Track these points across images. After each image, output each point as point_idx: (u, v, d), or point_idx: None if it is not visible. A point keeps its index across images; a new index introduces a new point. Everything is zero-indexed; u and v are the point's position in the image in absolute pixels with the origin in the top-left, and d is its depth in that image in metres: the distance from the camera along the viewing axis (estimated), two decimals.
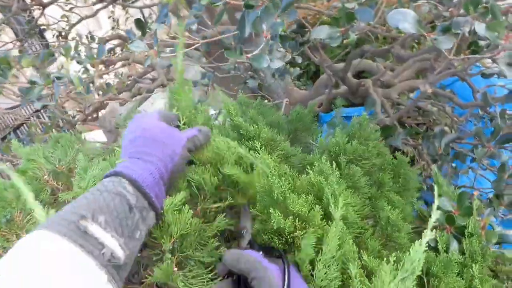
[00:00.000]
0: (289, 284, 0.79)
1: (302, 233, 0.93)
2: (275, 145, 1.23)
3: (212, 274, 0.93)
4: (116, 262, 0.69)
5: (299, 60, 2.12)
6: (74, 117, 2.84)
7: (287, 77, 2.67)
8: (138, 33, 1.61)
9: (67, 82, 1.81)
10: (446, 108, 2.36)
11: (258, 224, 0.98)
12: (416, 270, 0.85)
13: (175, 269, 0.91)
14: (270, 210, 0.91)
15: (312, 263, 0.91)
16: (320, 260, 0.90)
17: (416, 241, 0.87)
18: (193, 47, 1.48)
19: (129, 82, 2.75)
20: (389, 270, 0.88)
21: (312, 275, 0.91)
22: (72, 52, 2.18)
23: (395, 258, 0.88)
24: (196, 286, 0.91)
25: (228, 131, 1.25)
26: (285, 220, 0.91)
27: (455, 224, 1.24)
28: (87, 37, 2.87)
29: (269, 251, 0.92)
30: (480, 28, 1.16)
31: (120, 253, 0.70)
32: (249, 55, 1.25)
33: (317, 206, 0.97)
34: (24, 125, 6.29)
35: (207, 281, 0.92)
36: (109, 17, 3.91)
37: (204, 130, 1.01)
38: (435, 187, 1.30)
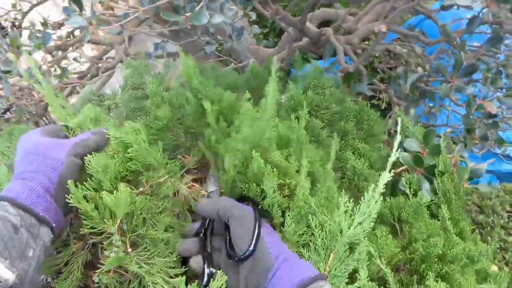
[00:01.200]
0: (260, 222, 0.84)
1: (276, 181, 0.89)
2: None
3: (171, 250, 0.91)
4: (3, 285, 0.69)
5: (253, 16, 2.03)
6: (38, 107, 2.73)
7: (247, 36, 2.58)
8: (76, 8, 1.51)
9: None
10: (415, 49, 2.29)
11: (234, 173, 0.94)
12: (372, 213, 0.82)
13: (129, 250, 0.87)
14: (253, 154, 0.87)
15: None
16: (289, 215, 0.89)
17: (372, 184, 0.82)
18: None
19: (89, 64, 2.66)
20: (344, 215, 0.85)
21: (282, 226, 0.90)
22: (28, 41, 2.08)
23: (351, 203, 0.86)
24: (155, 265, 0.87)
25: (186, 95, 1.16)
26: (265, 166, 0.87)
27: (424, 165, 1.19)
28: (41, 23, 2.73)
29: (240, 201, 0.92)
30: None
31: (7, 275, 0.70)
32: (187, 14, 1.16)
33: (292, 157, 0.94)
34: None
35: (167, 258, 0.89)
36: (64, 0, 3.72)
37: (98, 131, 0.99)
38: (398, 128, 1.26)
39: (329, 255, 0.86)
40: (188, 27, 2.00)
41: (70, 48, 2.44)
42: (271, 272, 0.78)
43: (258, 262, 0.80)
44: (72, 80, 2.32)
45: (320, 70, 1.32)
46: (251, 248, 0.79)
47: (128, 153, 0.91)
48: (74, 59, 3.19)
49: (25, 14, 2.84)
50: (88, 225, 0.86)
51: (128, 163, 0.93)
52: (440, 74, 1.67)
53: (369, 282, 0.87)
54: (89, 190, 0.87)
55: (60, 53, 2.25)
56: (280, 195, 0.89)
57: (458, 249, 0.96)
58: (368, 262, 0.87)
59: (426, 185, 1.19)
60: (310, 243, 0.89)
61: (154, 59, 1.92)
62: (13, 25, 3.06)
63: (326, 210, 0.90)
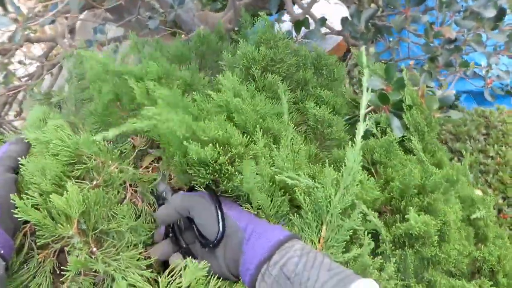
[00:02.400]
0: (219, 200, 0.83)
1: (226, 158, 0.83)
2: (171, 77, 1.07)
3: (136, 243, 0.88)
4: None
5: None
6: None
7: (191, 3, 2.47)
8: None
9: None
10: None
11: (180, 158, 0.87)
12: (356, 175, 0.79)
13: (94, 249, 0.83)
14: (185, 143, 0.79)
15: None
16: (259, 188, 0.84)
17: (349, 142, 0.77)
18: None
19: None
20: (330, 182, 0.82)
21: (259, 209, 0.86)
22: None
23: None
24: (124, 260, 0.83)
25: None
26: (204, 149, 0.80)
27: (391, 101, 1.14)
28: None
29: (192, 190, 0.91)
30: None
31: None
32: None
33: (233, 126, 0.87)
34: None
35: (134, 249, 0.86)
36: None
37: (17, 138, 0.96)
38: (360, 68, 1.20)
39: (321, 227, 0.82)
40: (123, 3, 1.90)
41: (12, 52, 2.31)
42: (243, 244, 0.77)
43: (230, 239, 0.79)
44: (19, 84, 2.21)
45: (269, 23, 1.24)
46: (220, 229, 0.79)
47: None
48: (19, 61, 3.05)
49: None
50: (44, 235, 0.80)
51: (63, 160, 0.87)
52: (391, 7, 1.62)
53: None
54: (34, 197, 0.81)
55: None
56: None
57: (437, 176, 0.92)
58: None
59: (395, 122, 1.14)
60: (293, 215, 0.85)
61: (95, 45, 1.82)
62: None
63: (297, 166, 0.85)
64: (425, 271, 0.91)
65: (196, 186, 0.86)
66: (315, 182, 0.82)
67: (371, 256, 0.83)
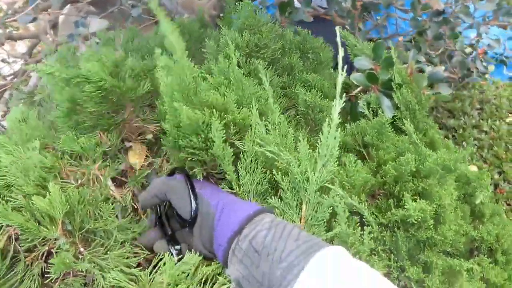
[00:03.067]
0: (191, 181, 0.83)
1: (221, 123, 0.80)
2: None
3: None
4: None
5: None
6: None
7: None
8: None
9: None
10: None
11: (172, 128, 0.84)
12: (334, 151, 0.76)
13: (82, 249, 0.81)
14: (175, 104, 0.78)
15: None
16: (241, 166, 0.84)
17: (327, 119, 0.74)
18: None
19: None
20: (306, 156, 0.80)
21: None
22: None
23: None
24: (112, 259, 0.81)
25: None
26: (196, 112, 0.78)
27: (380, 81, 1.11)
28: None
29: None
30: None
31: None
32: None
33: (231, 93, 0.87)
34: None
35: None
36: None
37: None
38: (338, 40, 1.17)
39: (301, 206, 0.81)
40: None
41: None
42: (215, 221, 0.78)
43: (204, 217, 0.79)
44: (4, 83, 2.18)
45: (251, 6, 1.21)
46: (193, 207, 0.80)
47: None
48: (3, 60, 3.01)
49: None
50: (27, 239, 0.78)
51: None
52: None
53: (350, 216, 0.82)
54: (18, 200, 0.79)
55: None
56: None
57: (431, 161, 0.90)
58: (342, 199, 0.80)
59: (386, 102, 1.12)
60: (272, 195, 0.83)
61: (78, 39, 1.78)
62: None
63: (284, 149, 0.83)
64: (421, 253, 0.90)
65: (177, 171, 0.86)
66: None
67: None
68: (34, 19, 1.79)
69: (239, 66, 1.10)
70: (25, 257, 0.85)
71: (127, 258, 0.82)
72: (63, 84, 0.89)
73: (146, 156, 0.99)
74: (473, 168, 1.72)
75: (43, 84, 1.55)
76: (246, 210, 0.76)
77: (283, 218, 0.81)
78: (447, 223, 0.90)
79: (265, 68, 1.12)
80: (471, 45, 1.96)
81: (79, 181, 0.88)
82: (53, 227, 0.78)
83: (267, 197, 0.84)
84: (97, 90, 0.87)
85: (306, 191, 0.79)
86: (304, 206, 0.80)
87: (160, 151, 0.99)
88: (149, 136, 0.98)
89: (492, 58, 2.10)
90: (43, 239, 0.80)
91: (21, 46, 3.93)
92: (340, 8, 1.68)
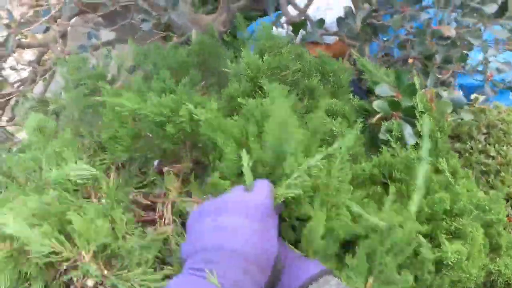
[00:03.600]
0: None
1: None
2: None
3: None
4: None
5: None
6: None
7: (184, 6, 2.43)
8: None
9: None
10: None
11: None
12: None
13: (105, 272, 0.79)
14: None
15: None
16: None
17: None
18: None
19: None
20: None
21: None
22: None
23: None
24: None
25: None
26: None
27: (402, 108, 1.10)
28: None
29: None
30: None
31: None
32: None
33: None
34: None
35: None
36: None
37: None
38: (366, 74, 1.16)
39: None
40: (117, 8, 1.85)
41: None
42: (281, 274, 0.76)
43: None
44: (10, 90, 2.16)
45: (269, 28, 1.20)
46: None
47: None
48: (11, 67, 3.00)
49: None
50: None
51: None
52: (390, 6, 1.58)
53: None
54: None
55: None
56: None
57: (464, 201, 0.89)
58: None
59: (408, 129, 1.10)
60: None
61: (89, 50, 1.77)
62: None
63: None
64: None
65: None
66: None
67: None
68: (47, 29, 1.78)
69: (261, 90, 1.10)
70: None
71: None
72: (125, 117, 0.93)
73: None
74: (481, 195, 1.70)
75: (54, 92, 1.54)
76: (311, 269, 0.76)
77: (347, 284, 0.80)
78: (476, 261, 0.89)
79: (287, 92, 1.11)
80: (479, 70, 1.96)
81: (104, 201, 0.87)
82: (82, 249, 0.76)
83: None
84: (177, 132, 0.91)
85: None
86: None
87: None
88: (188, 166, 0.97)
89: (500, 83, 2.10)
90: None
91: (28, 54, 3.92)
92: (349, 30, 1.67)
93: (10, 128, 2.55)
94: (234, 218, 0.72)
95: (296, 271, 0.75)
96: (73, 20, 2.38)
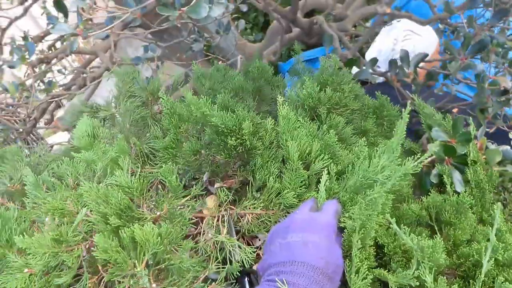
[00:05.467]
0: None
1: None
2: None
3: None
4: None
5: (244, 8, 1.96)
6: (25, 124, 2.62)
7: (234, 32, 2.50)
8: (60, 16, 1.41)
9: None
10: None
11: None
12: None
13: (154, 285, 0.80)
14: None
15: None
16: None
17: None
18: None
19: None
20: None
21: None
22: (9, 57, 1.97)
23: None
24: None
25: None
26: None
27: (456, 154, 1.11)
28: (22, 38, 2.59)
29: None
30: None
31: None
32: (184, 8, 1.08)
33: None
34: None
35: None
36: (42, 14, 3.51)
37: None
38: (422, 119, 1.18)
39: None
40: (179, 25, 1.91)
41: (54, 61, 2.34)
42: None
43: None
44: (59, 93, 2.22)
45: (338, 64, 1.24)
46: None
47: None
48: (59, 71, 3.07)
49: (4, 30, 2.70)
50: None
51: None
52: (448, 53, 1.60)
53: None
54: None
55: (43, 66, 2.13)
56: None
57: None
58: None
59: (457, 176, 1.11)
60: None
61: (145, 62, 1.82)
62: None
63: None
64: None
65: None
66: None
67: None
68: (107, 36, 1.84)
69: (319, 120, 1.12)
70: (89, 278, 0.85)
71: None
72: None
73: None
74: None
75: (106, 99, 1.58)
76: None
77: None
78: None
79: (343, 128, 1.13)
80: None
81: (158, 213, 0.89)
82: (137, 261, 0.78)
83: None
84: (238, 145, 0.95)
85: None
86: None
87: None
88: (237, 182, 1.00)
89: None
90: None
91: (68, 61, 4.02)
92: (403, 73, 1.69)
93: (40, 131, 2.61)
94: (304, 235, 0.77)
95: None
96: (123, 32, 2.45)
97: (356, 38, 2.30)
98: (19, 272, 0.82)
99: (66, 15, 1.40)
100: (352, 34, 2.31)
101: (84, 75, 2.36)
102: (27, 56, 1.77)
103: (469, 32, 1.56)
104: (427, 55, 1.76)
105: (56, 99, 2.15)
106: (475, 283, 0.86)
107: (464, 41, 1.54)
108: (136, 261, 0.78)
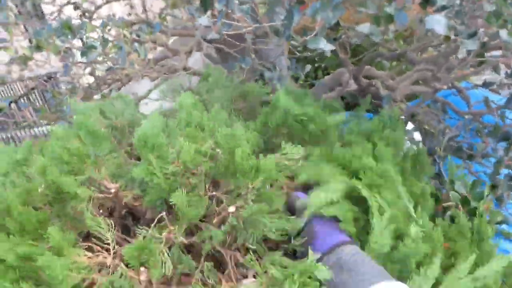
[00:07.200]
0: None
1: None
2: None
3: None
4: None
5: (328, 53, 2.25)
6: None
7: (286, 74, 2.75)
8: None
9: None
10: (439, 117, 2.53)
11: None
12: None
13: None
14: None
15: None
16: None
17: None
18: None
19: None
20: None
21: None
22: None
23: None
24: None
25: None
26: None
27: (470, 206, 1.43)
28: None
29: None
30: (503, 33, 1.35)
31: None
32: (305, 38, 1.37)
33: None
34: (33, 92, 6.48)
35: None
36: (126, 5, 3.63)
37: None
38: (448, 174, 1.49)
39: None
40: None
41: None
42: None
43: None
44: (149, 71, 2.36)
45: (398, 123, 1.57)
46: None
47: None
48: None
49: (98, 7, 2.88)
50: None
51: None
52: (478, 134, 1.90)
53: None
54: None
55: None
56: None
57: None
58: None
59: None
60: None
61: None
62: (83, 14, 2.90)
63: None
64: None
65: None
66: None
67: None
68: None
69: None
70: None
71: None
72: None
73: None
74: None
75: None
76: (334, 238, 1.07)
77: None
78: None
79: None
80: None
81: None
82: None
83: None
84: None
85: None
86: None
87: None
88: None
89: None
90: None
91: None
92: (437, 143, 2.00)
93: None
94: None
95: (325, 237, 1.06)
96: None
97: None
98: None
99: (206, 10, 1.50)
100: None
101: (174, 62, 2.53)
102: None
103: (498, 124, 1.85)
104: (458, 134, 2.07)
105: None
106: None
107: (494, 129, 1.83)
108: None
